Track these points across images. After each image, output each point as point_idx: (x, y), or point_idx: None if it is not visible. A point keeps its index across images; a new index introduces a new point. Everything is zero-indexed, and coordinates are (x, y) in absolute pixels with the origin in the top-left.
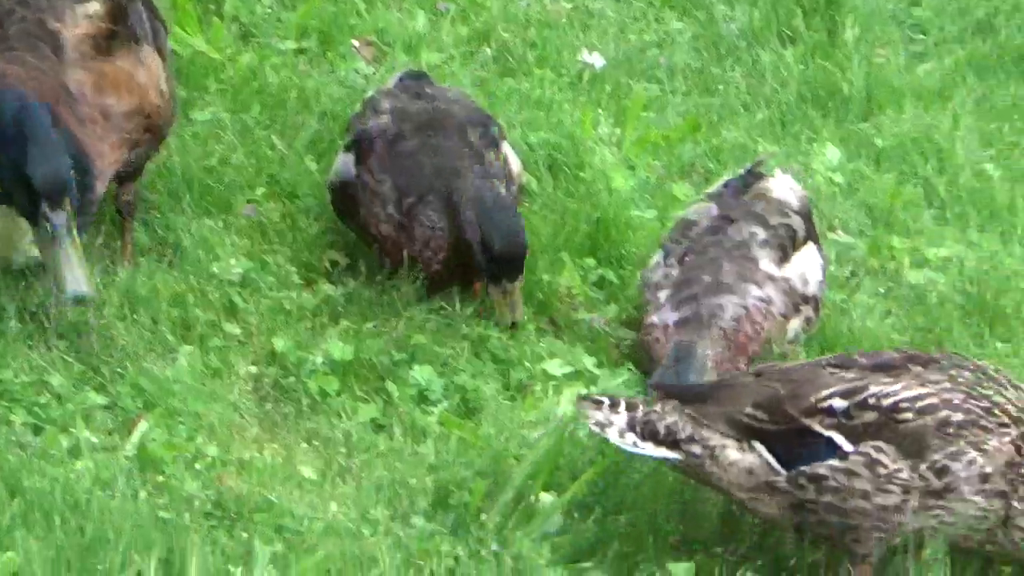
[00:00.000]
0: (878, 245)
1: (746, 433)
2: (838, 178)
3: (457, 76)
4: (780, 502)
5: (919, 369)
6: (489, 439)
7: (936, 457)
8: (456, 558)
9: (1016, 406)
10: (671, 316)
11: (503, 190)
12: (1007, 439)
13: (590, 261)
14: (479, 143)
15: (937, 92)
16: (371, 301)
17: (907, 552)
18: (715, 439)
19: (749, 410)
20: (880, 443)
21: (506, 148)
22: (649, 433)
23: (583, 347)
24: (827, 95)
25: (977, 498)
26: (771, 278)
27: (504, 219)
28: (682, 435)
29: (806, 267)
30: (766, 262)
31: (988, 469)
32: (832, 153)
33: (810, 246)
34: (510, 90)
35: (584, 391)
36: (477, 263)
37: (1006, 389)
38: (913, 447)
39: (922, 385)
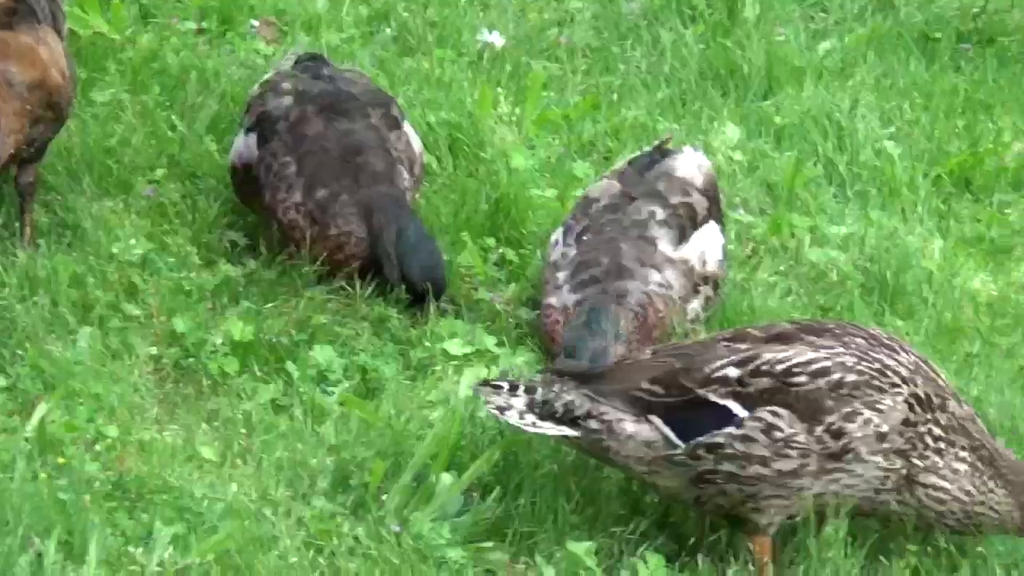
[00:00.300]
0: (778, 223)
1: (643, 408)
2: (738, 156)
3: (357, 56)
4: (679, 475)
5: (812, 338)
6: (389, 419)
7: (831, 419)
8: (356, 538)
9: (908, 368)
10: (570, 298)
11: (410, 185)
12: (900, 398)
13: (490, 241)
14: (381, 125)
15: (837, 70)
16: (271, 281)
17: (808, 529)
18: (612, 414)
19: (645, 385)
20: (776, 408)
21: (407, 129)
22: (547, 413)
23: (483, 327)
24: (727, 73)
25: (876, 458)
26: (669, 260)
27: (425, 256)
28: (579, 412)
29: (706, 246)
30: (664, 243)
31: (884, 428)
32: (732, 131)
33: (711, 225)
34: (410, 70)
35: (484, 376)
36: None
37: (898, 353)
38: (808, 411)
39: (815, 351)
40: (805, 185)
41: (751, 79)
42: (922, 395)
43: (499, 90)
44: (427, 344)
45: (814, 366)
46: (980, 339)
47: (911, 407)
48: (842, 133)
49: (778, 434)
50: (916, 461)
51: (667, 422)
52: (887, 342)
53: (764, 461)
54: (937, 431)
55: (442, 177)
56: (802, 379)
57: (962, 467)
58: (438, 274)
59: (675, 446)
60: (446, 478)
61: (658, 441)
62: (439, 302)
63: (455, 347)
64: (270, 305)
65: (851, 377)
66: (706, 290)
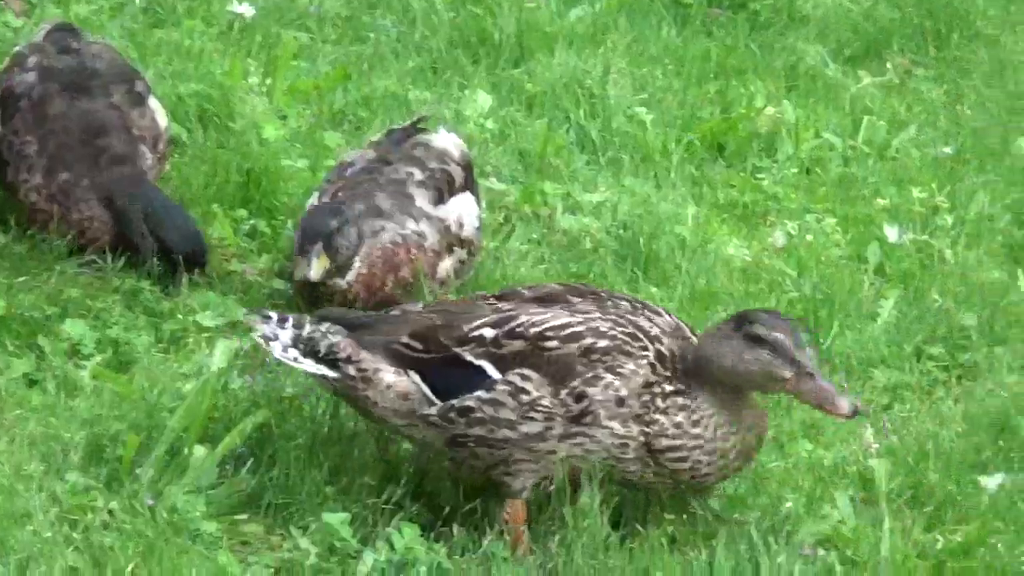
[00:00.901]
0: (531, 191)
1: (403, 362)
2: (490, 124)
3: (107, 28)
4: (435, 435)
5: (577, 300)
6: (142, 392)
7: (575, 383)
8: (111, 512)
9: (661, 328)
10: None
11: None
12: (644, 361)
13: (242, 212)
14: (123, 103)
15: (589, 36)
16: (22, 255)
17: (562, 498)
18: (370, 363)
19: (405, 339)
20: (525, 370)
21: (153, 103)
22: (311, 351)
23: (236, 298)
24: (478, 41)
25: (614, 423)
26: (426, 216)
27: (180, 223)
28: (341, 355)
29: (462, 211)
30: (422, 200)
31: (623, 392)
32: (483, 99)
33: (468, 195)
34: (160, 41)
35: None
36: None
37: (658, 316)
38: (559, 375)
39: (571, 315)
40: (557, 152)
41: (502, 46)
42: (665, 352)
43: (249, 60)
44: (179, 316)
45: (567, 331)
46: (734, 305)
47: (653, 368)
48: (594, 100)
49: (525, 397)
50: (647, 428)
51: (425, 379)
52: (653, 307)
53: (512, 424)
54: (668, 388)
55: (193, 148)
56: (554, 343)
57: (680, 416)
58: (200, 239)
59: (432, 404)
60: (200, 450)
61: (416, 398)
62: (205, 267)
63: (207, 319)
64: (21, 279)
65: (603, 343)
66: (460, 253)
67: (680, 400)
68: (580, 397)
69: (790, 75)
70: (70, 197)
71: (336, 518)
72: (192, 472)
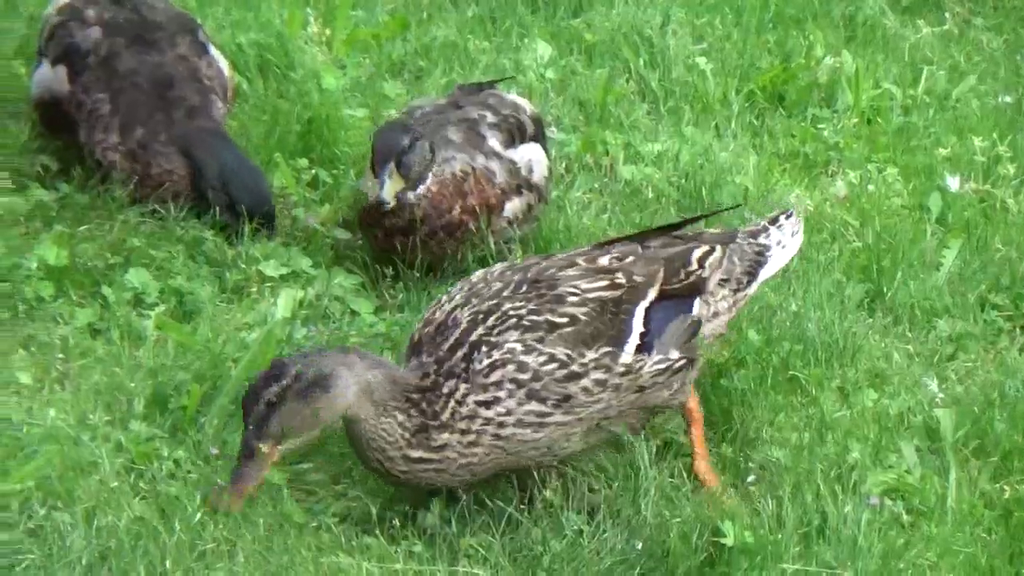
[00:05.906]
0: (592, 141)
1: None
2: (550, 74)
3: None
4: None
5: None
6: (206, 342)
7: None
8: (176, 461)
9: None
10: None
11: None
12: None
13: (303, 161)
14: (190, 54)
15: None
16: (85, 205)
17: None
18: None
19: None
20: None
21: (214, 52)
22: None
23: (299, 248)
24: None
25: None
26: (497, 155)
27: (251, 183)
28: None
29: (532, 156)
30: (493, 141)
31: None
32: (543, 49)
33: (538, 145)
34: None
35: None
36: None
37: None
38: None
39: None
40: (617, 102)
41: None
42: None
43: (308, 10)
44: (242, 266)
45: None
46: (798, 255)
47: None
48: (653, 50)
49: None
50: None
51: None
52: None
53: None
54: None
55: (253, 98)
56: None
57: None
58: (268, 201)
59: None
60: None
61: None
62: (272, 230)
63: (271, 269)
64: (84, 228)
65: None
66: (529, 196)
67: None
68: None
69: (848, 25)
70: (147, 149)
71: None
72: None
